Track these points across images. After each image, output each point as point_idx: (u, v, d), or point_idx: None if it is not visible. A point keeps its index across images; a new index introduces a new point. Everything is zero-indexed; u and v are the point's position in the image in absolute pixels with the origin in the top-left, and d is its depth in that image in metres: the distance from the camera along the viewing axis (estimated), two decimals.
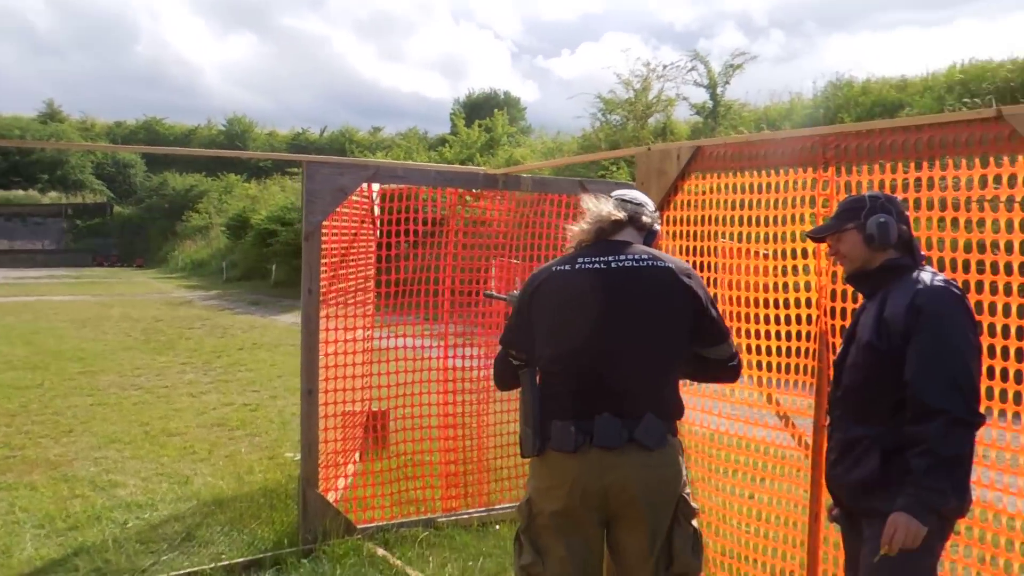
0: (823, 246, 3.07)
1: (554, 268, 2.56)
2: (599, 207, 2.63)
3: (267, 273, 28.78)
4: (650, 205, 2.71)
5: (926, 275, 2.38)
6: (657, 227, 2.73)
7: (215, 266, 34.66)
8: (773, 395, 3.57)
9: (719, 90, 20.09)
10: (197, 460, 6.33)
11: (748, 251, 3.57)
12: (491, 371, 4.94)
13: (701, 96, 20.28)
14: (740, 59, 20.04)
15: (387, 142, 52.81)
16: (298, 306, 15.62)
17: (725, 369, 2.66)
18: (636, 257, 2.51)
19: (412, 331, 5.40)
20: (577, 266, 2.51)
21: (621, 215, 2.60)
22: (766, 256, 3.53)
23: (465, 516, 4.93)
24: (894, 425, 2.30)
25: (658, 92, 21.17)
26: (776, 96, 20.03)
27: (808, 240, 3.15)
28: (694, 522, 2.54)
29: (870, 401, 2.38)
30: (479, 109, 37.87)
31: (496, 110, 30.54)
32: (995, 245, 2.65)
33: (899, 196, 2.91)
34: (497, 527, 4.88)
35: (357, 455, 5.53)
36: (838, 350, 2.62)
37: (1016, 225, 2.60)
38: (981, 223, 2.72)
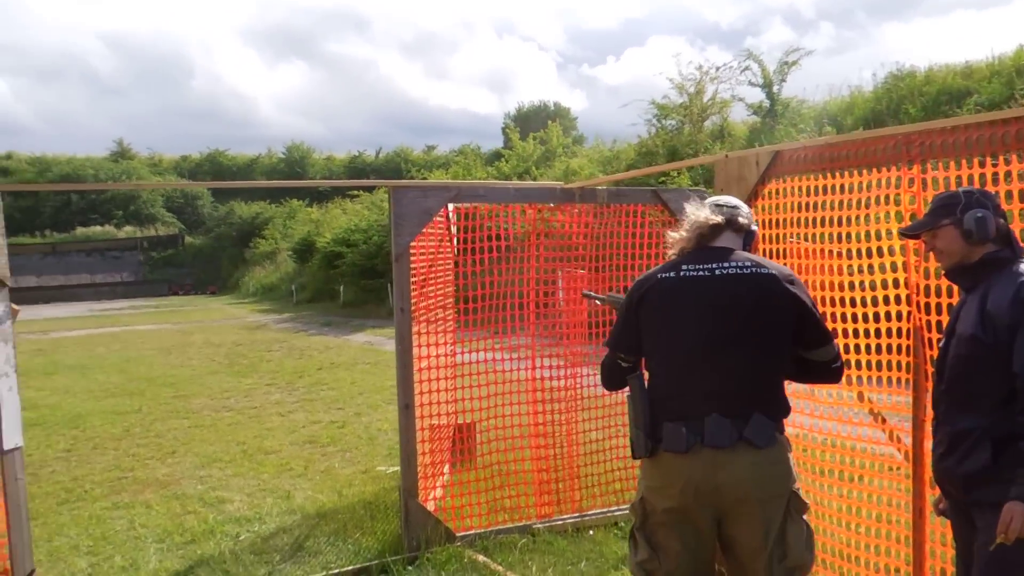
0: (912, 242, 3.14)
1: (659, 276, 2.68)
2: (697, 213, 2.76)
3: (335, 294, 29.46)
4: (745, 208, 2.83)
5: None
6: (754, 228, 2.84)
7: (285, 289, 35.57)
8: (865, 393, 3.62)
9: (775, 88, 19.89)
10: (295, 476, 6.61)
11: (823, 251, 3.64)
12: (578, 379, 5.08)
13: (757, 96, 20.15)
14: (794, 55, 19.86)
15: (442, 159, 53.56)
16: (368, 325, 16.12)
17: (828, 371, 2.75)
18: (739, 264, 2.63)
19: (496, 344, 5.56)
20: (682, 273, 2.64)
21: (719, 219, 2.72)
22: (840, 255, 3.59)
23: (559, 522, 5.07)
24: (1003, 416, 2.34)
25: (713, 94, 21.09)
26: (835, 90, 19.80)
27: (898, 236, 3.23)
28: (805, 516, 2.63)
29: (977, 393, 2.42)
30: (530, 121, 38.18)
31: (550, 122, 30.75)
32: None
33: (991, 189, 2.97)
34: (591, 532, 5.00)
35: (446, 467, 5.72)
36: (936, 345, 2.68)
37: None
38: None
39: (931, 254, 2.70)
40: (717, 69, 20.67)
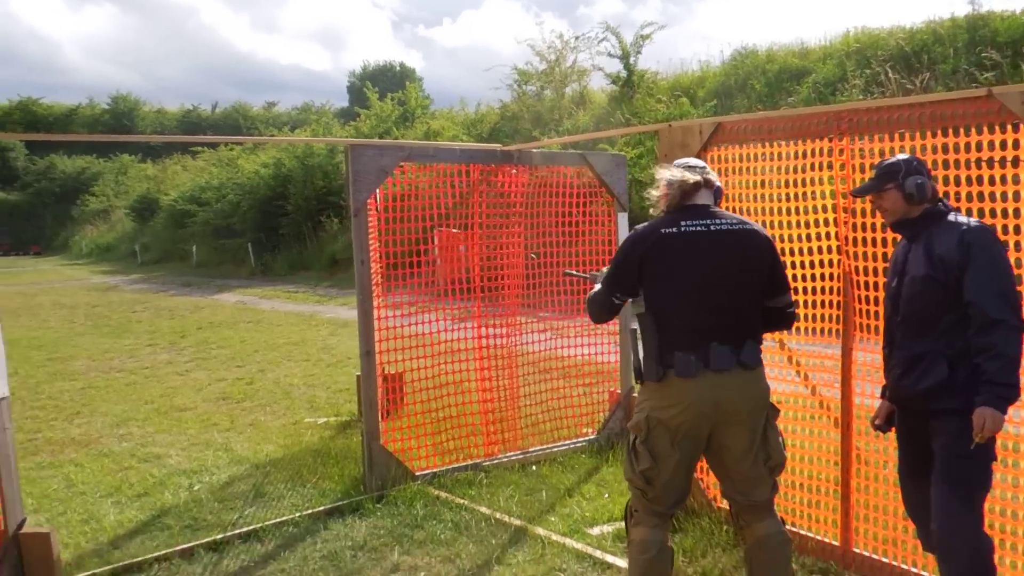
0: (842, 200, 3.81)
1: (662, 230, 3.12)
2: (675, 173, 3.22)
3: (186, 255, 28.26)
4: (709, 168, 3.32)
5: (963, 218, 2.98)
6: (720, 184, 3.34)
7: (125, 250, 33.64)
8: (788, 343, 4.27)
9: (632, 60, 20.88)
10: (223, 431, 6.67)
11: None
12: (514, 336, 5.45)
13: (615, 66, 21.06)
14: (648, 29, 20.89)
15: (284, 117, 51.79)
16: (232, 285, 15.92)
17: (785, 316, 3.29)
18: (729, 221, 3.15)
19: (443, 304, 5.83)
20: (682, 228, 3.12)
21: (698, 178, 3.20)
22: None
23: (505, 460, 5.52)
24: (954, 338, 2.86)
25: (573, 63, 21.88)
26: (686, 64, 21.05)
27: (843, 197, 3.87)
28: (776, 422, 3.22)
29: (930, 321, 2.92)
30: (376, 81, 37.65)
31: (408, 83, 30.56)
32: (992, 196, 3.40)
33: None
34: (534, 467, 5.49)
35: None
36: (884, 284, 3.27)
37: (1002, 180, 3.35)
38: (980, 179, 3.47)
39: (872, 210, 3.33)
40: (576, 38, 21.45)
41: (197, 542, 4.32)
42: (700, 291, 3.07)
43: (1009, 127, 3.30)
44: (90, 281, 23.62)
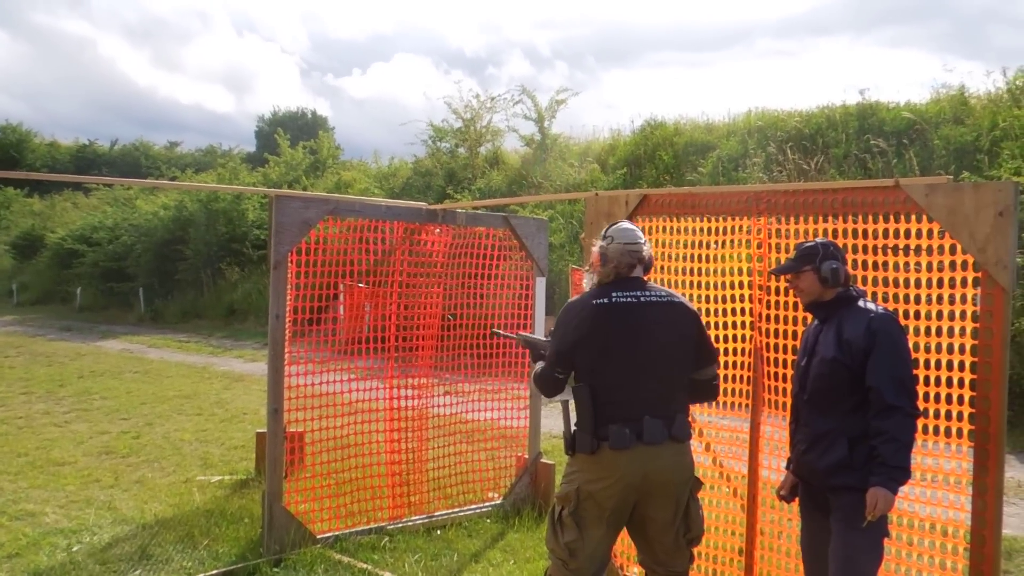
0: (758, 278, 3.93)
1: (593, 302, 3.16)
2: (612, 253, 3.25)
3: (68, 297, 26.74)
4: (645, 240, 3.36)
5: (871, 305, 3.14)
6: (651, 258, 3.39)
7: (1, 288, 31.51)
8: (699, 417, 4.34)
9: (546, 123, 21.38)
10: (106, 487, 6.23)
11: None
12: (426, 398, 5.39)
13: (530, 128, 21.50)
14: (564, 94, 21.50)
15: (187, 158, 50.32)
16: (117, 332, 15.21)
17: (710, 388, 3.35)
18: (658, 293, 3.22)
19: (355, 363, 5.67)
20: (613, 299, 3.15)
21: (634, 261, 3.25)
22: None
23: (410, 523, 5.35)
24: (855, 419, 3.00)
25: (488, 122, 22.22)
26: (597, 131, 21.68)
27: (758, 275, 4.00)
28: (699, 495, 3.25)
29: (835, 401, 3.07)
30: (287, 127, 37.09)
31: (321, 132, 30.34)
32: (896, 282, 3.59)
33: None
34: (439, 531, 5.34)
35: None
36: (794, 362, 3.39)
37: (905, 267, 3.54)
38: (885, 265, 3.65)
39: (788, 289, 3.46)
40: (492, 99, 21.83)
41: None
42: (634, 364, 3.10)
43: (913, 217, 3.50)
44: None
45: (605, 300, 3.16)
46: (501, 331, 4.15)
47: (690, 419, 4.25)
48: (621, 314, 3.13)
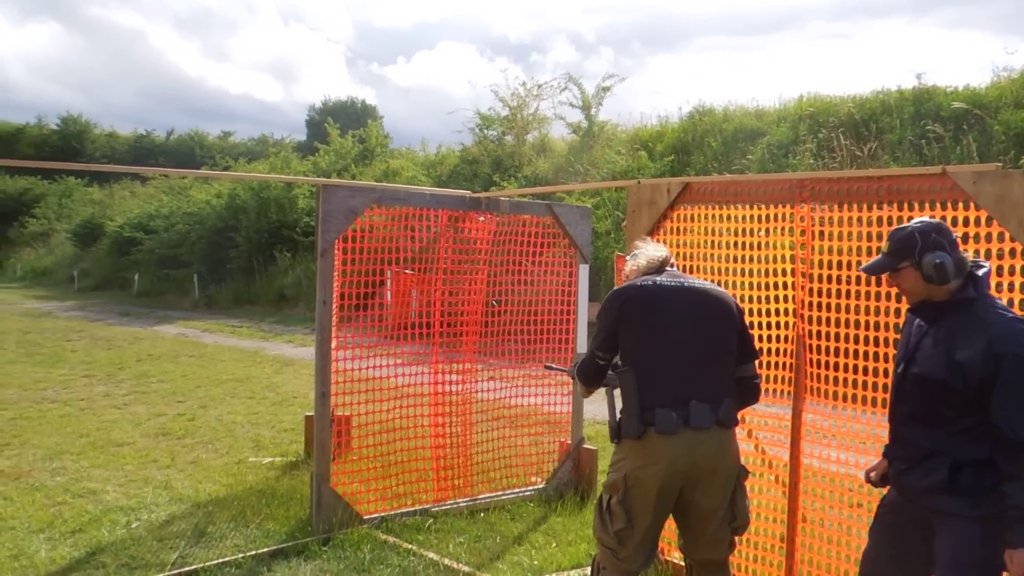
0: (802, 265, 3.91)
1: (639, 283, 3.21)
2: (647, 251, 3.39)
3: (126, 283, 27.55)
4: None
5: (994, 312, 2.55)
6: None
7: (63, 275, 32.59)
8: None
9: (592, 111, 21.28)
10: (163, 467, 6.46)
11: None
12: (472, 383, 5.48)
13: (576, 116, 21.44)
14: (610, 81, 21.36)
15: (241, 147, 51.28)
16: (174, 317, 15.56)
17: (751, 387, 3.29)
18: (699, 282, 3.27)
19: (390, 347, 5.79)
20: (658, 282, 3.19)
21: (664, 254, 3.37)
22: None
23: (454, 506, 5.45)
24: (962, 441, 2.55)
25: (535, 110, 22.20)
26: (645, 118, 21.51)
27: (787, 261, 3.99)
28: (746, 483, 3.23)
29: (941, 419, 2.59)
30: (336, 116, 37.54)
31: (370, 120, 30.64)
32: None
33: (865, 231, 3.77)
34: (482, 514, 5.42)
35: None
36: (893, 368, 2.92)
37: None
38: None
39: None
40: (539, 87, 21.82)
41: None
42: (680, 346, 3.10)
43: (960, 204, 3.45)
44: (21, 306, 22.79)
45: (650, 283, 3.20)
46: (554, 365, 4.22)
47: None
48: (665, 296, 3.15)
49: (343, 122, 31.61)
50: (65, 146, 56.38)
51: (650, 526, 3.09)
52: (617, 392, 3.22)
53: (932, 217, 3.12)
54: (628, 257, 3.52)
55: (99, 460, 6.64)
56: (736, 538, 3.25)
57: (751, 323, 4.17)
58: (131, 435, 7.53)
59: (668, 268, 3.32)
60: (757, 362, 3.40)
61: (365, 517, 5.08)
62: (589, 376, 3.31)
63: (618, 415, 3.17)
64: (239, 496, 5.63)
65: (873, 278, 3.60)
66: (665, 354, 3.10)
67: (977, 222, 3.39)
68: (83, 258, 32.70)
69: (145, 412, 8.59)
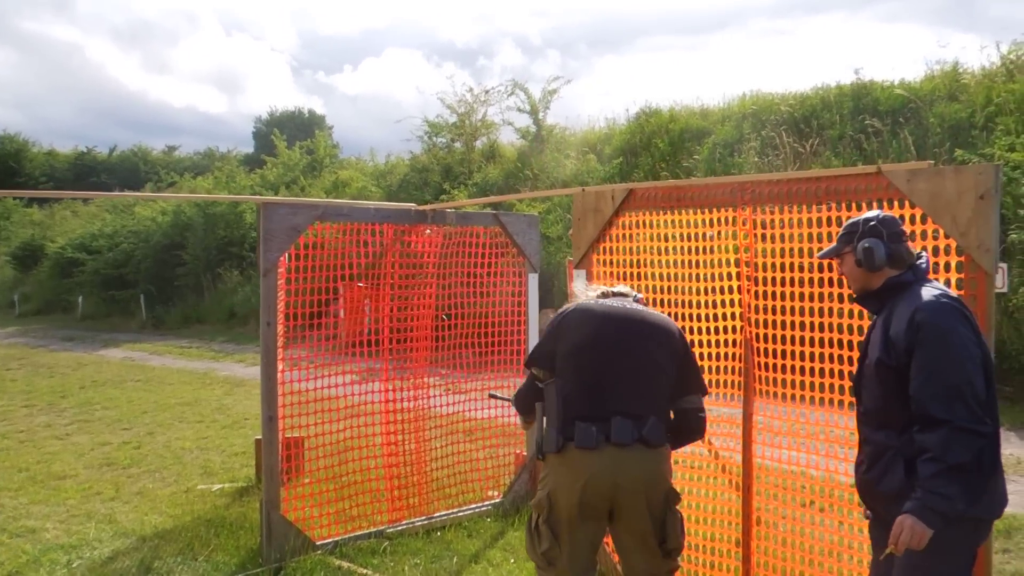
0: (746, 268, 3.91)
1: (578, 303, 3.22)
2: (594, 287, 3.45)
3: (70, 306, 26.76)
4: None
5: (927, 290, 2.54)
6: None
7: (2, 300, 31.53)
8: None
9: (540, 115, 21.28)
10: (107, 500, 6.23)
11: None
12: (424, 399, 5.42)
13: (524, 121, 21.42)
14: (556, 84, 21.37)
15: (186, 162, 50.31)
16: (120, 340, 15.12)
17: (695, 420, 3.20)
18: (645, 309, 3.26)
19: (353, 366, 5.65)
20: (601, 303, 3.19)
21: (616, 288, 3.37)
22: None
23: (409, 526, 5.35)
24: (912, 435, 2.46)
25: (483, 116, 22.15)
26: (593, 120, 21.59)
27: (732, 265, 3.99)
28: (677, 507, 3.14)
29: (888, 414, 2.54)
30: (283, 127, 37.08)
31: (317, 131, 30.31)
32: None
33: (806, 231, 3.78)
34: (439, 533, 5.33)
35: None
36: (855, 368, 2.87)
37: None
38: None
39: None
40: (486, 92, 21.76)
41: None
42: (606, 362, 3.06)
43: (896, 203, 3.47)
44: None
45: (592, 303, 3.21)
46: (498, 393, 4.20)
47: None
48: (601, 314, 3.14)
49: (290, 133, 31.26)
50: (2, 166, 54.76)
51: (579, 544, 3.02)
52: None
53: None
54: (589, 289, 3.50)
55: (39, 495, 6.39)
56: (678, 559, 3.17)
57: (701, 327, 4.19)
58: (73, 467, 7.27)
59: (625, 299, 3.28)
60: (703, 397, 3.28)
61: (318, 543, 4.96)
62: (521, 396, 3.28)
63: (543, 429, 3.13)
64: (187, 527, 5.45)
65: (816, 275, 3.70)
66: (590, 368, 3.05)
67: (912, 220, 3.41)
68: (24, 282, 31.71)
69: (88, 442, 8.31)
